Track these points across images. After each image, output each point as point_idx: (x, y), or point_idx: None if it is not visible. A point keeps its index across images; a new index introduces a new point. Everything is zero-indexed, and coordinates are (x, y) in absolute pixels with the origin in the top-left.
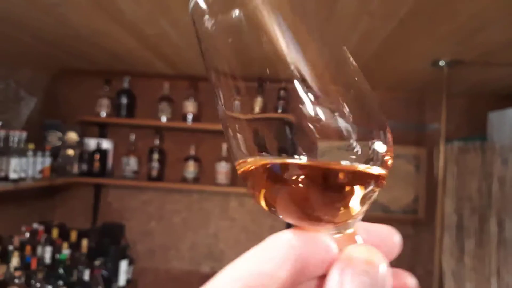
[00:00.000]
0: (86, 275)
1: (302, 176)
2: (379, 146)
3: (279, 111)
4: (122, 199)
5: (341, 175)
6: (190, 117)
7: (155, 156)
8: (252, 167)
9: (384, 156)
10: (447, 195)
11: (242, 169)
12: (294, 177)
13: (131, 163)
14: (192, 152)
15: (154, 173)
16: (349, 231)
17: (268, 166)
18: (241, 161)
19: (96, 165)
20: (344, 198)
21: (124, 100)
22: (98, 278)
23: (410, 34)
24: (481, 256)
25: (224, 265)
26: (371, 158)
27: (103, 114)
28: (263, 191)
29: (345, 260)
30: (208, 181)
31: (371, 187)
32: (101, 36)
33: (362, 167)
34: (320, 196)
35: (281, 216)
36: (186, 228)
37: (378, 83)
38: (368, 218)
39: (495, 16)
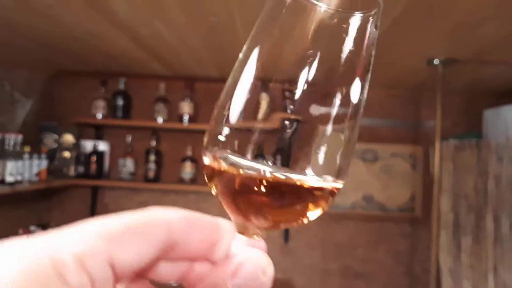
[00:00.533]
0: None
1: (249, 180)
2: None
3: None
4: (119, 201)
5: (283, 188)
6: (186, 117)
7: (152, 157)
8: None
9: (334, 179)
10: (443, 193)
11: (208, 160)
12: (241, 179)
13: (128, 164)
14: (189, 153)
15: (151, 174)
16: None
17: (230, 164)
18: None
19: (93, 167)
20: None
21: (120, 102)
22: None
23: (405, 32)
24: (477, 253)
25: None
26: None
27: (99, 115)
28: (214, 178)
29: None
30: (205, 182)
31: (308, 205)
32: (95, 37)
33: (310, 183)
34: (256, 201)
35: (221, 202)
36: None
37: (374, 82)
38: (366, 217)
39: (488, 14)
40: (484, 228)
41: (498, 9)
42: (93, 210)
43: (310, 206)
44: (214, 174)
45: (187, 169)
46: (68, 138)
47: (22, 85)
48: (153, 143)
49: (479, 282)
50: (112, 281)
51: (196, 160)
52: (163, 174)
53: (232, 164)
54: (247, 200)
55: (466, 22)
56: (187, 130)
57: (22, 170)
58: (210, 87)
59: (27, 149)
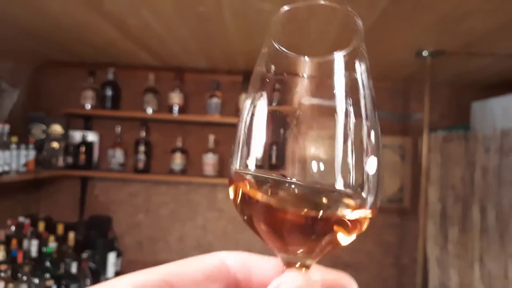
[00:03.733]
0: (74, 268)
1: (283, 206)
2: (369, 192)
3: (274, 104)
4: (108, 192)
5: (319, 215)
6: (176, 108)
7: (142, 148)
8: (245, 182)
9: (372, 202)
10: (431, 184)
11: (234, 181)
12: (275, 205)
13: (117, 155)
14: (179, 143)
15: (141, 165)
16: (308, 264)
17: (258, 188)
18: (239, 170)
19: (82, 157)
20: (313, 235)
21: (109, 92)
22: (85, 270)
23: (393, 23)
24: (464, 243)
25: None
26: (358, 200)
27: (88, 106)
28: (244, 207)
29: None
30: (195, 173)
31: (345, 233)
32: (81, 27)
33: (344, 212)
34: (293, 227)
35: (252, 229)
36: (173, 220)
37: None
38: None
39: (477, 5)
40: (470, 219)
41: (483, 1)
42: (83, 201)
43: (355, 223)
44: (250, 206)
45: (177, 160)
46: (56, 128)
47: (9, 75)
48: (143, 134)
49: (466, 272)
50: None
51: (186, 151)
52: (153, 165)
53: (268, 193)
54: (286, 228)
55: (453, 14)
56: (177, 121)
57: (10, 161)
58: (199, 77)
59: (14, 139)
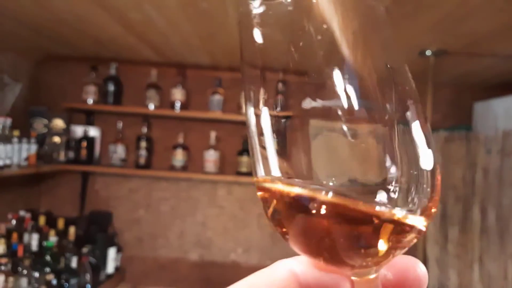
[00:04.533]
0: (74, 263)
1: (330, 215)
2: (424, 191)
3: (278, 108)
4: (109, 187)
5: (375, 221)
6: (178, 105)
7: (143, 144)
8: (275, 191)
9: (427, 203)
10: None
11: (262, 192)
12: (321, 214)
13: (119, 150)
14: (180, 140)
15: (142, 161)
16: (371, 276)
17: (294, 197)
18: (264, 179)
19: (83, 152)
20: (371, 245)
21: (111, 87)
22: (85, 265)
23: (396, 22)
24: (464, 243)
25: (213, 253)
26: (411, 201)
27: (90, 101)
28: (284, 220)
29: None
30: (196, 169)
31: (405, 240)
32: (84, 21)
33: (400, 215)
34: (345, 238)
35: (293, 246)
36: (174, 216)
37: None
38: None
39: (480, 5)
40: (471, 219)
41: (484, 1)
42: (83, 196)
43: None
44: (289, 219)
45: (179, 157)
46: (58, 123)
47: (11, 68)
48: (144, 129)
49: (465, 272)
50: None
51: (187, 148)
52: (154, 161)
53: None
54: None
55: (456, 14)
56: (178, 117)
57: (11, 154)
58: (202, 74)
59: (16, 133)
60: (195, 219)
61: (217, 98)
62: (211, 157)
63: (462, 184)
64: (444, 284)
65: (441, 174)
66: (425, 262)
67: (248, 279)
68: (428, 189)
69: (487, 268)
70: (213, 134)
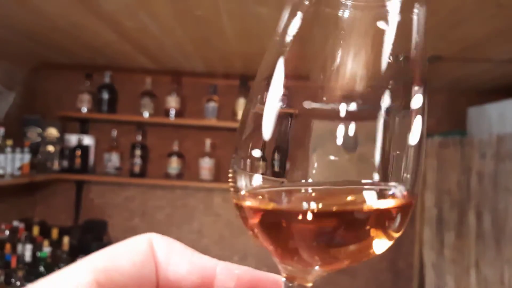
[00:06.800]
0: None
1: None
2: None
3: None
4: (104, 196)
5: (358, 215)
6: (173, 112)
7: (138, 152)
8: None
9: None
10: (427, 189)
11: (241, 202)
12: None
13: (113, 159)
14: (175, 148)
15: (137, 169)
16: (308, 284)
17: (271, 209)
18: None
19: (78, 161)
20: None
21: (105, 95)
22: None
23: None
24: (460, 248)
25: None
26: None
27: (84, 109)
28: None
29: None
30: (192, 177)
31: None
32: (78, 29)
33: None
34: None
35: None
36: (170, 224)
37: None
38: None
39: (473, 11)
40: (466, 224)
41: (482, 6)
42: (78, 205)
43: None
44: (251, 212)
45: (174, 164)
46: (52, 131)
47: (4, 77)
48: (139, 137)
49: (462, 277)
50: None
51: (182, 155)
52: (149, 169)
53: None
54: (300, 235)
55: (449, 19)
56: (173, 124)
57: (4, 164)
58: (196, 81)
59: (9, 142)
60: (191, 227)
61: (212, 105)
62: (206, 164)
63: (457, 189)
64: None
65: (435, 179)
66: (421, 267)
67: (110, 251)
68: (411, 169)
69: (484, 273)
70: (208, 142)
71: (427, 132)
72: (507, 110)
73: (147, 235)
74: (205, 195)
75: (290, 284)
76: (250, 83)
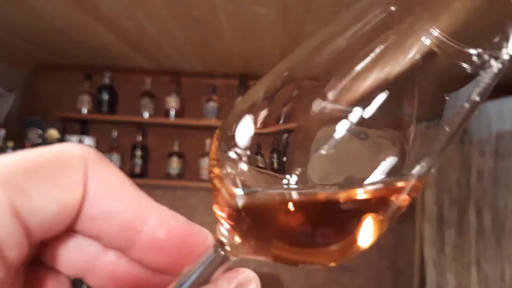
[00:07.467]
0: None
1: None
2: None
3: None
4: None
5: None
6: (172, 112)
7: (138, 152)
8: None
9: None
10: (427, 187)
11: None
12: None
13: (114, 160)
14: (176, 148)
15: (137, 169)
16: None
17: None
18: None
19: None
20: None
21: (105, 96)
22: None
23: None
24: (461, 246)
25: None
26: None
27: (84, 110)
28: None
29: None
30: (192, 177)
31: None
32: (77, 30)
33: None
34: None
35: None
36: None
37: None
38: None
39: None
40: (467, 222)
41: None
42: None
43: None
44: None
45: (174, 164)
46: (53, 133)
47: (3, 78)
48: (139, 138)
49: (463, 275)
50: (24, 238)
51: (183, 155)
52: (149, 169)
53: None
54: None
55: None
56: (173, 125)
57: None
58: (196, 81)
59: (10, 144)
60: None
61: (212, 105)
62: (207, 164)
63: (457, 186)
64: (442, 287)
65: (435, 177)
66: (422, 265)
67: (29, 151)
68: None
69: (485, 270)
70: (208, 142)
71: None
72: (506, 107)
73: (80, 148)
74: (206, 195)
75: (219, 249)
76: (250, 83)
